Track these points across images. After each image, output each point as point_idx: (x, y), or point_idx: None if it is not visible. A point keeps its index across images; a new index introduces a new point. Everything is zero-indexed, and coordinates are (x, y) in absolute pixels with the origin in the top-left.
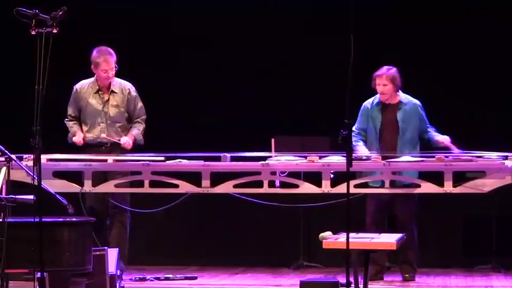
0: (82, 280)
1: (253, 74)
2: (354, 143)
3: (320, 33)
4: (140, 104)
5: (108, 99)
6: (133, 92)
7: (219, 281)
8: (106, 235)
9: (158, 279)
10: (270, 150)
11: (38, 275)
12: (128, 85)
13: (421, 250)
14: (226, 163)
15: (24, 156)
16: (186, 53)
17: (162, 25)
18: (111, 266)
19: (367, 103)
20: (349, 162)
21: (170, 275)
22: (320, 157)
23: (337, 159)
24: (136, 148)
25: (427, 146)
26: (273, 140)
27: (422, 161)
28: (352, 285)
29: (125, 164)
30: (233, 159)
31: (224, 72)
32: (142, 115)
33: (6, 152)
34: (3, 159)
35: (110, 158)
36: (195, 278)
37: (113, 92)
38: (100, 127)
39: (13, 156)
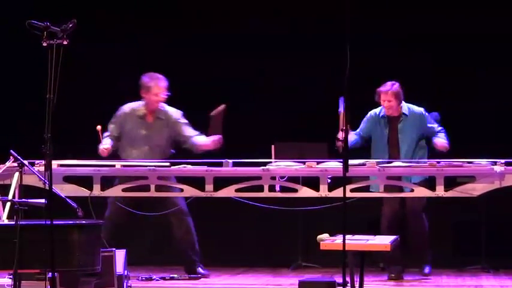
0: (91, 280)
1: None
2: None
3: (319, 39)
4: (186, 127)
5: (153, 124)
6: (179, 119)
7: (221, 281)
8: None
9: (164, 279)
10: (270, 156)
11: (49, 275)
12: (173, 111)
13: (404, 246)
14: (228, 168)
15: (36, 162)
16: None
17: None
18: (119, 267)
19: (375, 112)
20: (345, 168)
21: (175, 275)
22: (318, 163)
23: (334, 165)
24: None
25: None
26: (273, 147)
27: (415, 166)
28: (348, 284)
29: (132, 169)
30: (235, 164)
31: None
32: (193, 133)
33: (19, 158)
34: (16, 164)
35: (118, 164)
36: (199, 278)
37: (158, 117)
38: (142, 151)
39: (25, 162)
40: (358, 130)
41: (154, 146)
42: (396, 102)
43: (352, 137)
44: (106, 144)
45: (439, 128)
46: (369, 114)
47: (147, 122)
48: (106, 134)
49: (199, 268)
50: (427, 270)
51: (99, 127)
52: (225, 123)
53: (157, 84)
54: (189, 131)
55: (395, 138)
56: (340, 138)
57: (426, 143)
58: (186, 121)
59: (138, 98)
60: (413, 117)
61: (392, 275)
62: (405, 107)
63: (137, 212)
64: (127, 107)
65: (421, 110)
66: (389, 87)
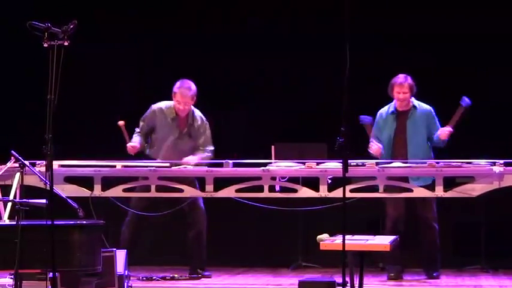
0: (92, 280)
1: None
2: None
3: (319, 40)
4: (208, 134)
5: (182, 129)
6: (205, 123)
7: (222, 281)
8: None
9: (164, 278)
10: (270, 157)
11: (50, 275)
12: (201, 116)
13: (414, 251)
14: (228, 169)
15: (37, 162)
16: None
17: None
18: (120, 267)
19: (383, 111)
20: (345, 168)
21: (175, 275)
22: (318, 163)
23: (333, 166)
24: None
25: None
26: (273, 147)
27: (415, 167)
28: (348, 284)
29: (133, 169)
30: (235, 165)
31: (226, 84)
32: (210, 147)
33: (20, 158)
34: (17, 165)
35: (119, 164)
36: (199, 278)
37: (188, 123)
38: (167, 152)
39: (26, 163)
40: (374, 136)
41: (180, 149)
42: (410, 95)
43: (379, 148)
44: (135, 142)
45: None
46: (378, 115)
47: (177, 124)
48: (137, 130)
49: (203, 270)
50: (435, 274)
51: (121, 122)
52: (226, 124)
53: (182, 93)
54: (202, 143)
55: (403, 134)
56: (371, 151)
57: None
58: (209, 132)
59: (139, 97)
60: (421, 113)
61: (392, 275)
62: (415, 102)
63: (144, 213)
64: (162, 106)
65: (429, 108)
66: (404, 79)
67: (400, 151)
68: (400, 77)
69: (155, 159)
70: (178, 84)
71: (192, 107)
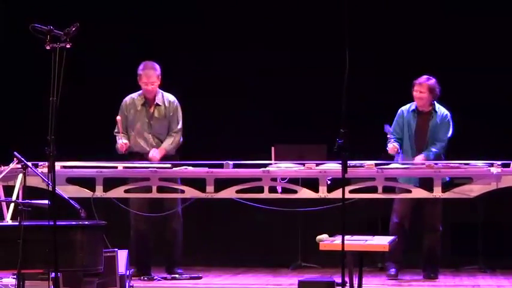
0: (93, 280)
1: (254, 88)
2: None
3: (318, 41)
4: (179, 117)
5: (153, 112)
6: (175, 105)
7: (222, 281)
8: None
9: (165, 278)
10: (270, 158)
11: (52, 275)
12: (171, 98)
13: (413, 251)
14: (229, 170)
15: (40, 163)
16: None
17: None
18: (121, 267)
19: (404, 108)
20: (344, 169)
21: (176, 275)
22: (317, 164)
23: (333, 166)
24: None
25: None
26: (273, 149)
27: (413, 167)
28: (347, 284)
29: (134, 170)
30: (236, 166)
31: (226, 85)
32: (175, 128)
33: (23, 159)
34: (19, 166)
35: (120, 165)
36: (200, 278)
37: (157, 104)
38: (145, 139)
39: (29, 164)
40: (392, 133)
41: (156, 133)
42: (429, 96)
43: (395, 147)
44: (125, 139)
45: (443, 143)
46: (399, 111)
47: (148, 109)
48: (116, 131)
49: (178, 269)
50: (433, 274)
51: (119, 118)
52: (226, 124)
53: (146, 74)
54: (175, 123)
55: (423, 135)
56: (388, 150)
57: None
58: (179, 113)
59: None
60: (443, 117)
61: (391, 273)
62: (437, 105)
63: (144, 214)
64: (127, 98)
65: (446, 112)
66: (425, 80)
67: (419, 151)
68: (423, 77)
69: (135, 149)
70: (142, 65)
71: (161, 90)
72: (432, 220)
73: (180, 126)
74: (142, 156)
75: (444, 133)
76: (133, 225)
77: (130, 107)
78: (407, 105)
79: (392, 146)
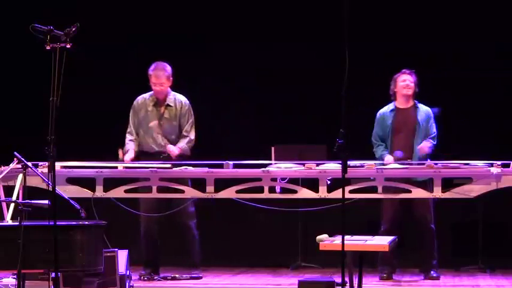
0: (94, 280)
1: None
2: (381, 152)
3: (318, 41)
4: (191, 120)
5: (163, 113)
6: (187, 106)
7: (222, 281)
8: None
9: (165, 278)
10: (270, 158)
11: (53, 275)
12: (182, 99)
13: (413, 252)
14: (229, 170)
15: (40, 163)
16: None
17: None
18: (121, 267)
19: (382, 110)
20: (344, 170)
21: (177, 275)
22: (317, 164)
23: (333, 167)
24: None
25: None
26: (273, 149)
27: (413, 167)
28: (347, 284)
29: (134, 171)
30: (235, 166)
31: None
32: (189, 129)
33: (23, 159)
34: (20, 166)
35: (120, 166)
36: (200, 278)
37: (168, 105)
38: (154, 139)
39: (29, 164)
40: (375, 137)
41: (165, 133)
42: (415, 88)
43: (382, 151)
44: (130, 151)
45: (433, 135)
46: (378, 114)
47: (158, 110)
48: (128, 131)
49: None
50: (433, 274)
51: (121, 153)
52: (226, 125)
53: (156, 75)
54: (188, 124)
55: (408, 130)
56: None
57: None
58: (192, 117)
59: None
60: (423, 112)
61: (384, 275)
62: (416, 101)
63: (145, 214)
64: (138, 98)
65: (428, 109)
66: (411, 71)
67: (405, 147)
68: (406, 70)
69: (143, 148)
70: (152, 66)
71: (173, 92)
72: (424, 219)
73: (192, 127)
74: (150, 155)
75: (435, 128)
76: (143, 225)
77: (142, 107)
78: (385, 108)
79: (387, 158)
